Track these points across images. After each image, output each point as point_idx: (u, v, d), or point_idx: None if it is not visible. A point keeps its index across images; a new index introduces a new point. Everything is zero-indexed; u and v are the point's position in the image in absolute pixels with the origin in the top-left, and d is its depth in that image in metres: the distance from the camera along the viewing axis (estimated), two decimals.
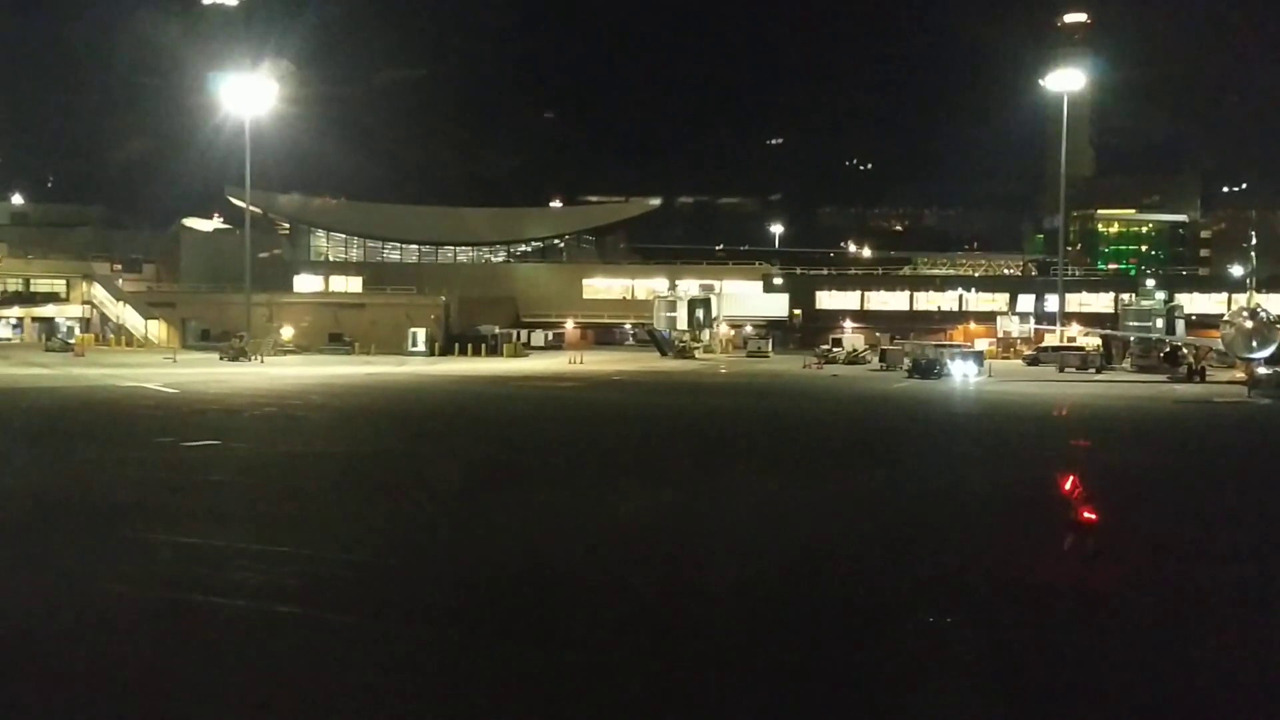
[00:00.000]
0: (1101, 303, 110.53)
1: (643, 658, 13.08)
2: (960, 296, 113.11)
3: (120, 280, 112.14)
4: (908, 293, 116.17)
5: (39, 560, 17.58)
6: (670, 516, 22.08)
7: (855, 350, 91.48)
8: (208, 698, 11.60)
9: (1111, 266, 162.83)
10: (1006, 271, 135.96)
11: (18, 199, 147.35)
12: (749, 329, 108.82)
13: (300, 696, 11.73)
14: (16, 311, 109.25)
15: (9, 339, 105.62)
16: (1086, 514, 17.22)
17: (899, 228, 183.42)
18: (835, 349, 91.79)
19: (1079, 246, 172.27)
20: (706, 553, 18.73)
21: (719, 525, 21.23)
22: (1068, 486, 17.71)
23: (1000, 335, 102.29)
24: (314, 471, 28.18)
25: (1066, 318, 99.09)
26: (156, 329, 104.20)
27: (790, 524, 21.31)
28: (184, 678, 12.17)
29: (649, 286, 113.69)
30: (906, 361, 76.26)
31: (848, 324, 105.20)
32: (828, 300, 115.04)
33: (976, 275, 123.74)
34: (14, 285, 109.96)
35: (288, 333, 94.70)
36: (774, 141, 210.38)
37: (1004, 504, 23.96)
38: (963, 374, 70.09)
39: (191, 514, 21.47)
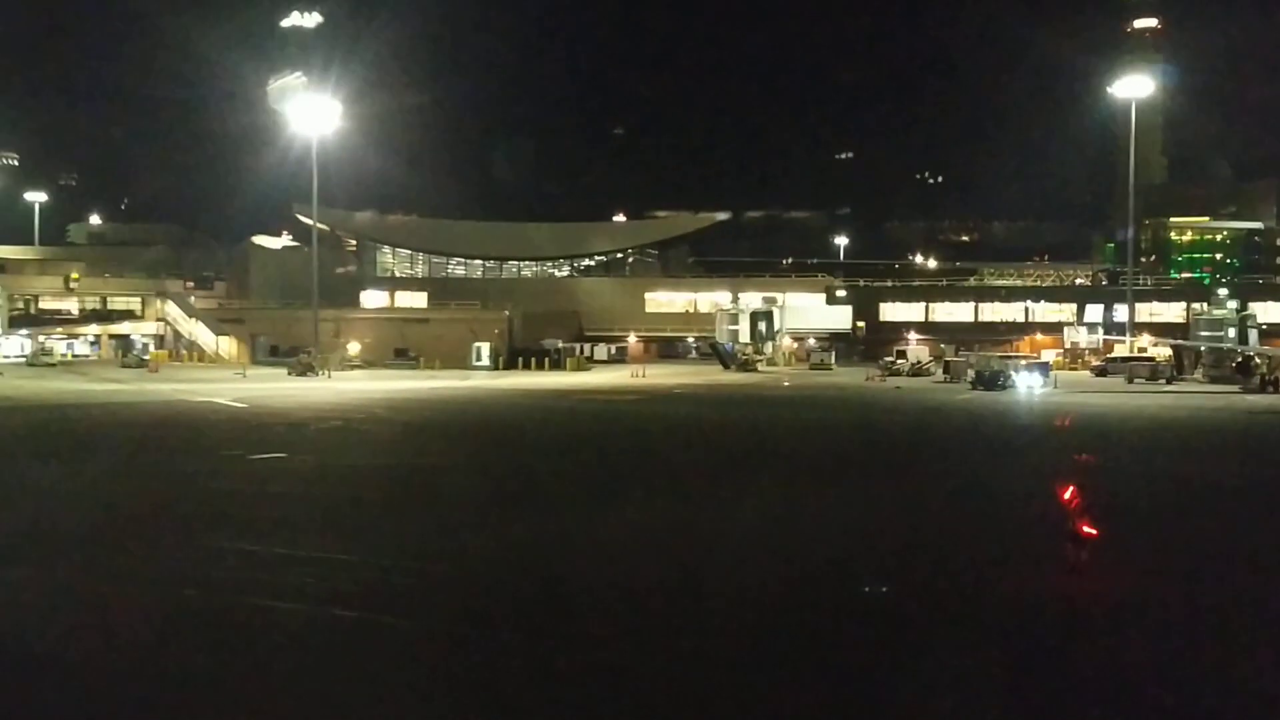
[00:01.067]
0: (1173, 312, 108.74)
1: (670, 659, 13.21)
2: (1026, 307, 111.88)
3: (192, 297, 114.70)
4: (972, 304, 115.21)
5: (113, 565, 18.17)
6: (715, 527, 22.17)
7: (919, 362, 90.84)
8: (264, 691, 11.96)
9: (1184, 275, 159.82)
10: (1079, 281, 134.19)
11: (95, 220, 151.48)
12: (812, 341, 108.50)
13: (349, 691, 12.03)
14: (94, 329, 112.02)
15: (87, 355, 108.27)
16: (1086, 528, 17.02)
17: (966, 239, 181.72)
18: (899, 361, 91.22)
19: (1152, 257, 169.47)
20: (770, 559, 18.82)
21: (784, 534, 21.29)
22: (1066, 496, 17.69)
23: (1068, 346, 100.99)
24: (374, 483, 28.66)
25: (1137, 328, 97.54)
26: (227, 345, 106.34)
27: (849, 532, 21.32)
28: (242, 673, 12.56)
29: (712, 300, 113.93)
30: (970, 373, 75.58)
31: (912, 336, 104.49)
32: (892, 312, 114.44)
33: (1043, 285, 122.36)
34: (92, 303, 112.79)
35: (354, 348, 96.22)
36: (843, 155, 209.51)
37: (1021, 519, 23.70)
38: (1027, 386, 69.27)
39: (255, 523, 21.98)
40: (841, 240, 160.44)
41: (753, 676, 12.66)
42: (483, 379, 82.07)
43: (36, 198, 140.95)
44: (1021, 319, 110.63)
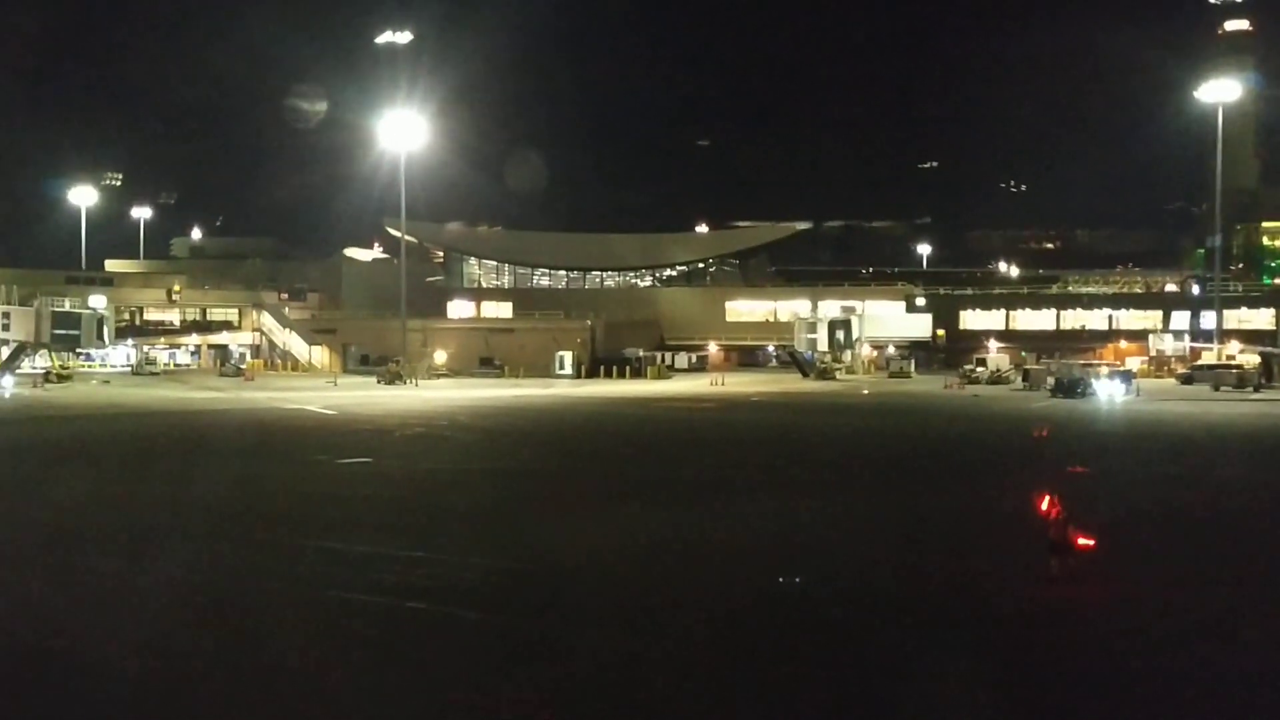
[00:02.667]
0: (1263, 319, 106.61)
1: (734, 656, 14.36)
2: (1110, 315, 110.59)
3: (287, 308, 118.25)
4: (1054, 311, 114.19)
5: (205, 560, 19.85)
6: (766, 531, 23.23)
7: (998, 370, 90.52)
8: (344, 680, 13.40)
9: (1276, 281, 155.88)
10: (1170, 288, 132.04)
11: (197, 234, 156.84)
12: (892, 350, 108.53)
13: (419, 678, 13.41)
14: (194, 339, 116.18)
15: (188, 365, 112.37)
16: (1082, 539, 16.60)
17: (1050, 246, 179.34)
18: (978, 369, 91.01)
19: (1242, 263, 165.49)
20: (809, 560, 19.88)
21: (837, 538, 22.29)
22: (1045, 506, 17.05)
23: (1153, 354, 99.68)
24: (454, 486, 30.23)
25: (1225, 335, 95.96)
26: (320, 354, 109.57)
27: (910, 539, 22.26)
28: (323, 661, 14.01)
29: (791, 308, 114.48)
30: (1050, 381, 75.33)
31: (992, 344, 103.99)
32: (972, 320, 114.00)
33: (1125, 292, 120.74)
34: (192, 314, 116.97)
35: (441, 357, 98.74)
36: (926, 164, 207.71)
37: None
38: (1109, 394, 68.88)
39: (338, 523, 23.60)
40: (922, 249, 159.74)
41: (764, 670, 13.77)
42: (564, 387, 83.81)
43: (141, 214, 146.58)
44: (1105, 327, 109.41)
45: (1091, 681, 12.98)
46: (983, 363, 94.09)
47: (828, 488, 29.75)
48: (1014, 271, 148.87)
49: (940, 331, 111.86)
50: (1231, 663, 13.57)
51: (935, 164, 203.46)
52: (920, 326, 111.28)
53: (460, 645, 14.72)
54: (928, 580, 18.28)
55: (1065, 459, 32.57)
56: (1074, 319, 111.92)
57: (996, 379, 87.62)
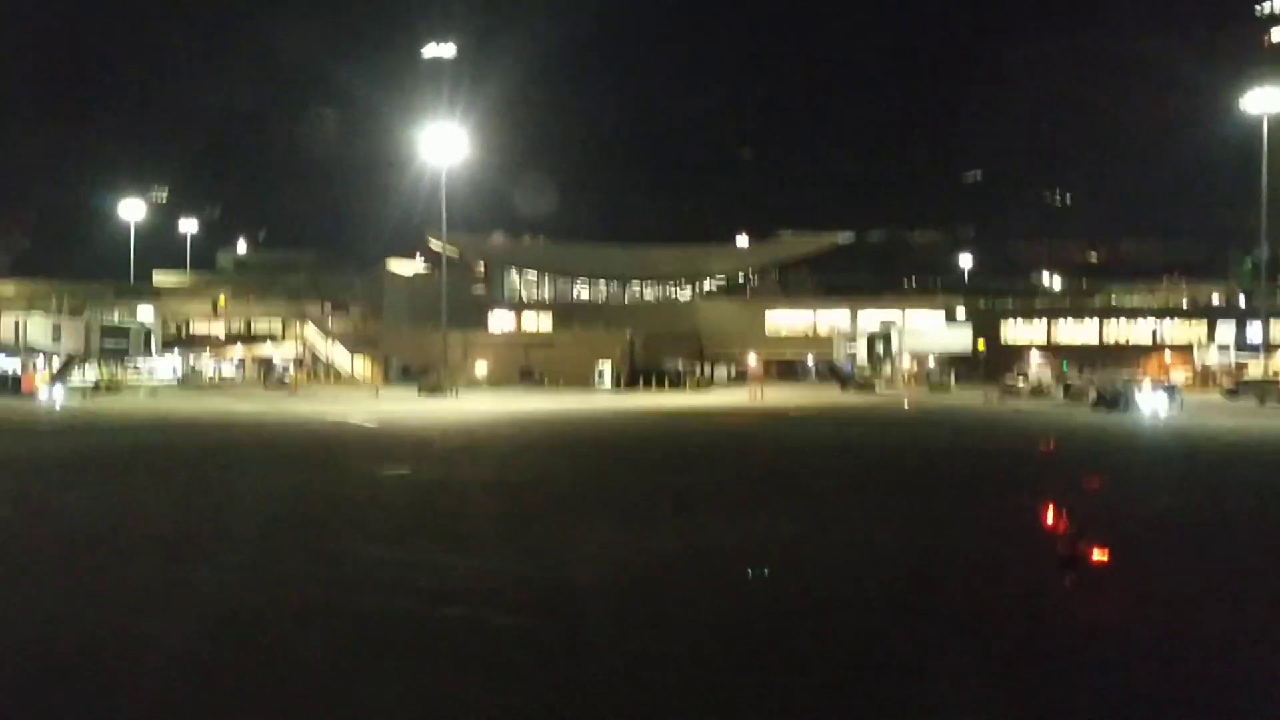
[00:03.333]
0: None
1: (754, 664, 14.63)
2: (1154, 327, 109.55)
3: (329, 320, 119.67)
4: (1097, 323, 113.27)
5: (245, 565, 20.39)
6: (795, 544, 23.45)
7: (1040, 383, 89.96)
8: (372, 680, 13.83)
9: None
10: (1215, 300, 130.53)
11: (241, 247, 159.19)
12: (932, 362, 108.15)
13: (440, 675, 13.81)
14: (239, 351, 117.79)
15: (233, 376, 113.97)
16: (1096, 553, 16.46)
17: (1094, 258, 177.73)
18: (1020, 382, 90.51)
19: None
20: (845, 570, 20.10)
21: (873, 547, 22.50)
22: (1050, 520, 16.98)
23: (1198, 367, 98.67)
24: (489, 495, 30.65)
25: (1271, 348, 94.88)
26: (362, 366, 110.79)
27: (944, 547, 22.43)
28: (354, 662, 14.44)
29: (831, 320, 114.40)
30: (1092, 394, 74.82)
31: (1034, 356, 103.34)
32: (1013, 332, 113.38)
33: (1171, 304, 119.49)
34: (237, 326, 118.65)
35: (481, 369, 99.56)
36: (969, 175, 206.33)
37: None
38: (1152, 407, 68.28)
39: (376, 530, 24.10)
40: (964, 260, 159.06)
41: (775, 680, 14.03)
42: (603, 399, 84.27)
43: (188, 227, 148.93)
44: (1148, 339, 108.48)
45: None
46: (1024, 376, 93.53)
47: (851, 498, 29.91)
48: (1056, 283, 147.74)
49: (981, 344, 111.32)
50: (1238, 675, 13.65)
51: (978, 174, 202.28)
52: (961, 339, 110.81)
53: (489, 649, 15.10)
54: (937, 590, 18.45)
55: (1101, 473, 32.48)
56: (1117, 331, 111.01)
57: (1038, 392, 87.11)
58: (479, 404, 75.94)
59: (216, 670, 14.08)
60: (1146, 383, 76.12)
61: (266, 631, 15.91)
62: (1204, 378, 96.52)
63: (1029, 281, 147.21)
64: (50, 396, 78.97)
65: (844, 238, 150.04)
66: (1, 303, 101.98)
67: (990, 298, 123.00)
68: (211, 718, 12.51)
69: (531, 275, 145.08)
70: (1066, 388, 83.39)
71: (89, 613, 16.95)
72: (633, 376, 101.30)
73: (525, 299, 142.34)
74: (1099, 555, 16.58)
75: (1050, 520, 17.10)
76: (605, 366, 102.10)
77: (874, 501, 29.45)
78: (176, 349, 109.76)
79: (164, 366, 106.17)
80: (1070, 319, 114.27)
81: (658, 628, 16.21)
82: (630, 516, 26.53)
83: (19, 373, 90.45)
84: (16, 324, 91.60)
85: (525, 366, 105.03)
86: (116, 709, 12.77)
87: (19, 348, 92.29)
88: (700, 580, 19.42)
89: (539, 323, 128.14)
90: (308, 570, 19.94)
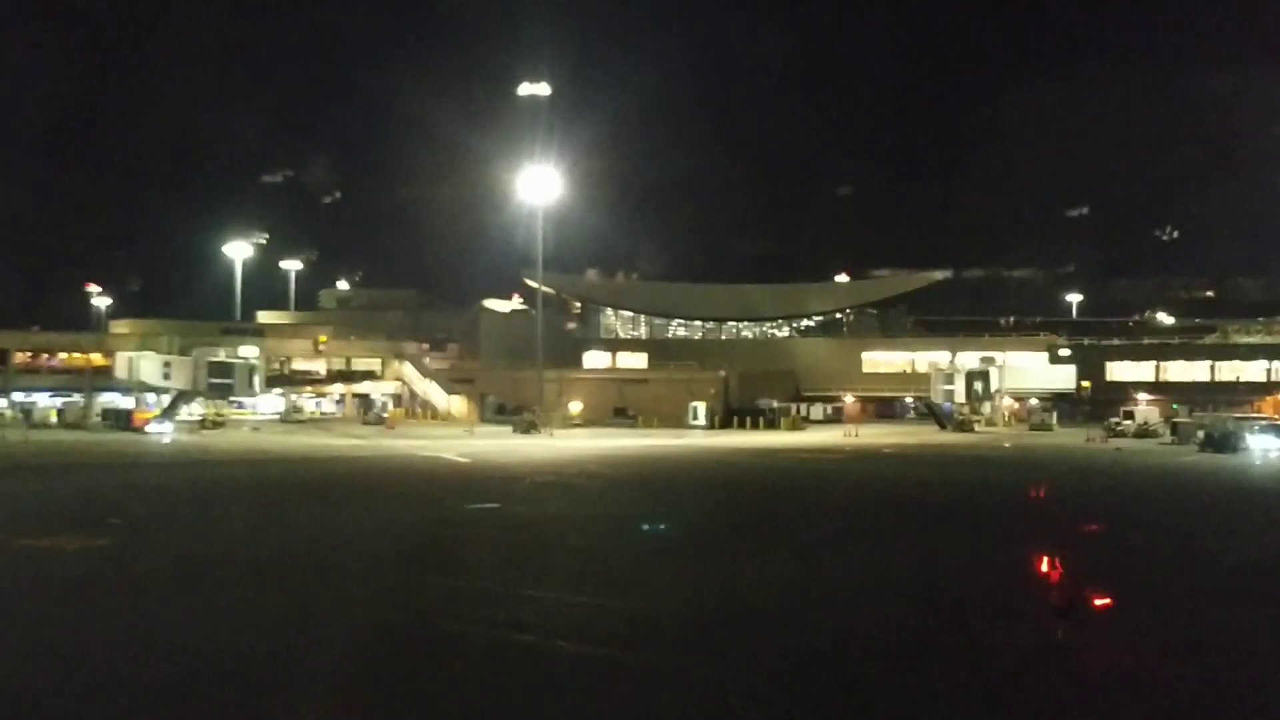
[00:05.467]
0: None
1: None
2: (1267, 366, 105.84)
3: (427, 358, 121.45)
4: (1208, 362, 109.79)
5: (337, 593, 20.89)
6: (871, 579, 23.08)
7: (1146, 423, 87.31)
8: (434, 694, 13.99)
9: None
10: None
11: (343, 285, 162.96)
12: (1034, 401, 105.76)
13: (511, 699, 13.90)
14: (339, 388, 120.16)
15: (333, 413, 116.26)
16: (1098, 599, 16.19)
17: (1209, 294, 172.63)
18: (1125, 421, 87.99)
19: None
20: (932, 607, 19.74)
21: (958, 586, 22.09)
22: (1044, 568, 16.61)
23: None
24: (573, 531, 30.83)
25: None
26: (458, 403, 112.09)
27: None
28: (429, 683, 14.64)
29: (930, 359, 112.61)
30: (1199, 434, 72.39)
31: (1142, 396, 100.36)
32: (1119, 371, 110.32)
33: None
34: (337, 364, 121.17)
35: (575, 407, 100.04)
36: (1075, 212, 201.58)
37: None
38: (1263, 448, 65.84)
39: (461, 562, 24.47)
40: (1068, 298, 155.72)
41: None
42: (696, 438, 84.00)
43: (292, 267, 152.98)
44: (1263, 378, 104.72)
45: None
46: (1130, 415, 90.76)
47: (927, 538, 29.44)
48: (1167, 320, 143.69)
49: (1085, 383, 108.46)
50: None
51: (1084, 211, 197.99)
52: (1063, 378, 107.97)
53: (556, 674, 15.18)
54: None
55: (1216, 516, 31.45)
56: (1231, 371, 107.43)
57: (1144, 433, 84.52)
58: (572, 442, 76.27)
59: (319, 679, 14.43)
60: (1258, 423, 73.46)
61: (339, 654, 16.23)
62: None
63: (1137, 319, 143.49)
64: (159, 431, 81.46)
65: (942, 275, 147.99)
66: (116, 342, 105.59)
67: (1095, 336, 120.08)
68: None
69: (627, 314, 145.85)
70: (1174, 427, 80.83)
71: (191, 631, 17.50)
72: (727, 415, 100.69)
73: (620, 337, 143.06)
74: (1100, 601, 16.22)
75: (1043, 570, 16.65)
76: (700, 405, 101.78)
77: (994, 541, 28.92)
78: (279, 386, 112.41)
79: (267, 403, 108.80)
80: (1180, 358, 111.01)
81: (715, 657, 16.11)
82: (706, 553, 26.42)
83: (131, 409, 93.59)
84: (130, 362, 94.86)
85: (619, 405, 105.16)
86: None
87: (133, 385, 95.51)
88: (754, 619, 19.29)
89: (634, 361, 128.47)
90: (391, 599, 20.36)
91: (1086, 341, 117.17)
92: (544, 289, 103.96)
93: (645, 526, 31.21)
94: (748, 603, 20.30)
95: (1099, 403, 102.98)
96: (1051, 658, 15.94)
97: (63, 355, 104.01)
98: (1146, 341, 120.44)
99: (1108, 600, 16.31)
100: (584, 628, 17.99)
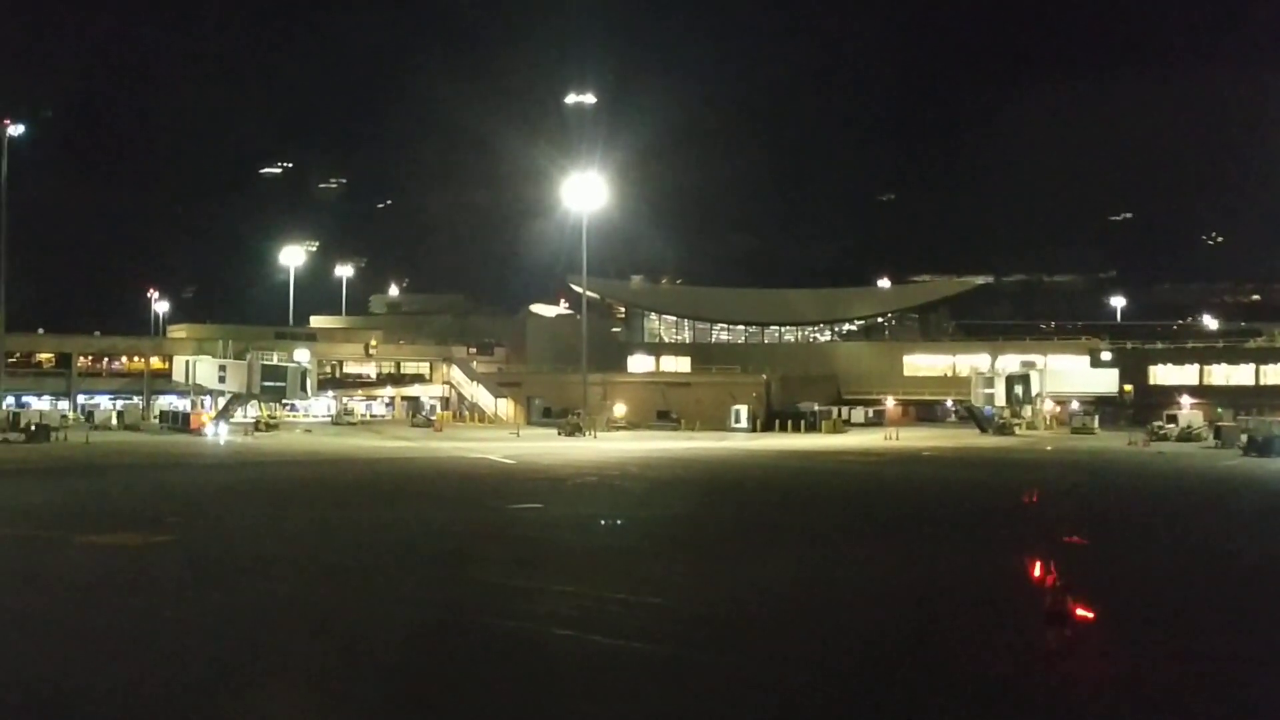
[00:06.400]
0: None
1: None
2: None
3: (474, 362, 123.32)
4: (1253, 366, 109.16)
5: (382, 589, 22.34)
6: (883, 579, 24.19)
7: (1189, 427, 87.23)
8: (469, 688, 15.36)
9: None
10: None
11: (393, 291, 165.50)
12: (1075, 405, 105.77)
13: (544, 692, 15.22)
14: (389, 391, 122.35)
15: (383, 415, 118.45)
16: (1081, 610, 16.52)
17: (1255, 298, 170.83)
18: (1168, 425, 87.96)
19: None
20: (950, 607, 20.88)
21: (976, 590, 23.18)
22: (1037, 574, 16.96)
23: None
24: (612, 530, 32.23)
25: None
26: (505, 406, 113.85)
27: None
28: (467, 676, 16.01)
29: (971, 363, 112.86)
30: (1242, 438, 72.44)
31: (1185, 399, 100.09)
32: (1163, 375, 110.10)
33: None
34: (387, 368, 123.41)
35: (619, 410, 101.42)
36: (1118, 217, 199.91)
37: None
38: None
39: (502, 560, 25.79)
40: (1112, 302, 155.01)
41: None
42: (738, 440, 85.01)
43: (344, 272, 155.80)
44: None
45: None
46: (1173, 419, 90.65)
47: (949, 539, 30.44)
48: (1211, 324, 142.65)
49: (1128, 387, 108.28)
50: None
51: (1128, 215, 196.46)
52: (1106, 381, 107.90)
53: (593, 667, 16.49)
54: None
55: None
56: (1275, 374, 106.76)
57: (1187, 436, 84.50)
58: (615, 444, 77.54)
59: (328, 684, 15.90)
60: None
61: (382, 647, 17.66)
62: None
63: (1181, 324, 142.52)
64: (215, 433, 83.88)
65: (983, 280, 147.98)
66: (174, 346, 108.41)
67: (1137, 340, 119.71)
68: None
69: (671, 318, 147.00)
70: (1218, 431, 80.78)
71: (235, 629, 19.07)
72: (769, 418, 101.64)
73: (663, 341, 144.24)
74: (1083, 613, 16.64)
75: (1037, 575, 17.22)
76: (742, 408, 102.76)
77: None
78: (330, 389, 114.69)
79: (318, 405, 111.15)
80: (1224, 362, 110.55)
81: (743, 653, 17.38)
82: (742, 552, 27.64)
83: (188, 411, 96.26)
84: (187, 365, 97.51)
85: (662, 408, 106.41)
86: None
87: (189, 388, 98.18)
88: (793, 616, 20.52)
89: (677, 365, 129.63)
90: (434, 594, 21.80)
91: (1129, 345, 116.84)
92: (589, 294, 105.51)
93: (684, 527, 32.49)
94: (778, 602, 21.45)
95: (1142, 406, 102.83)
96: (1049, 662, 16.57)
97: (123, 359, 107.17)
98: (1190, 345, 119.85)
99: (1090, 613, 16.75)
100: (618, 622, 19.29)
